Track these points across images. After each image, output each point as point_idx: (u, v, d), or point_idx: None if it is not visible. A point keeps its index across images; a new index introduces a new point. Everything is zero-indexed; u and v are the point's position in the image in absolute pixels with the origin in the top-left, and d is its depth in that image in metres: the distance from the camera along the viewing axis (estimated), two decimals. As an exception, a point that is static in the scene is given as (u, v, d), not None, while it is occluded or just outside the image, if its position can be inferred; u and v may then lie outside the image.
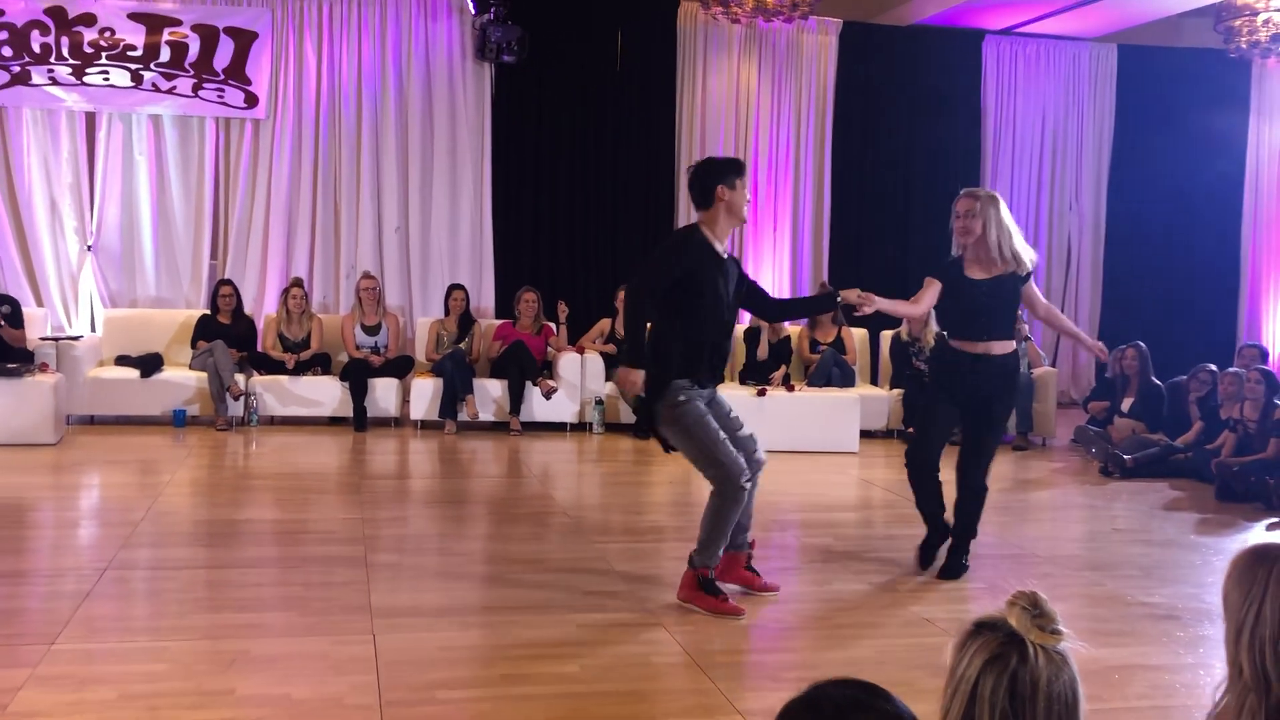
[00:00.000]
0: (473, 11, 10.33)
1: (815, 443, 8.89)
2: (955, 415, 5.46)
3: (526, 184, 10.79)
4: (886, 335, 10.31)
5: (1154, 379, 9.15)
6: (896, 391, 9.82)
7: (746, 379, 9.58)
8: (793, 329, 10.08)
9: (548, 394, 9.40)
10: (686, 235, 4.87)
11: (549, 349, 9.73)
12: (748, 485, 4.77)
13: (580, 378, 9.51)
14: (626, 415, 9.49)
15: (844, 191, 11.51)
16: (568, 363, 9.54)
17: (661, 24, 11.05)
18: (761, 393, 9.01)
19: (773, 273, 11.37)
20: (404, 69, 10.57)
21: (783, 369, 9.61)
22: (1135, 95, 12.02)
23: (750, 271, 11.29)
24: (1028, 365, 9.86)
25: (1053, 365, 10.86)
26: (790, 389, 9.22)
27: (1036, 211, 12.02)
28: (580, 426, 9.60)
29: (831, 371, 9.55)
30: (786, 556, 5.92)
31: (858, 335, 10.25)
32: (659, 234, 11.05)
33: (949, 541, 5.51)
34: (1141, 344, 9.32)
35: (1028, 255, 5.32)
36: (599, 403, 9.51)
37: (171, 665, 4.02)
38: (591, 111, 10.88)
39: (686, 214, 11.24)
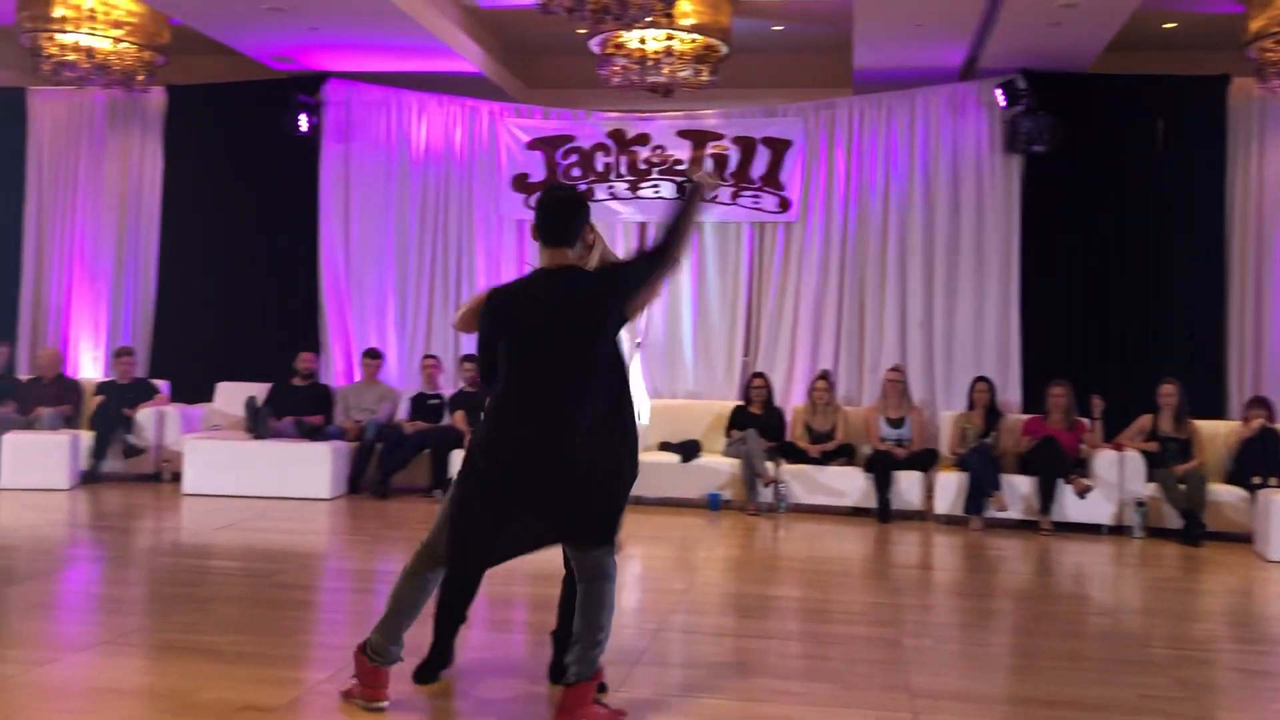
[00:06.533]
0: (1002, 105, 10.27)
1: None
2: None
3: (1057, 275, 10.40)
4: None
5: None
6: None
7: None
8: None
9: (1082, 493, 8.91)
10: None
11: (1082, 445, 9.24)
12: None
13: (1118, 477, 8.92)
14: (1172, 520, 8.76)
15: None
16: (1104, 460, 9.00)
17: (1210, 104, 10.33)
18: None
19: None
20: (931, 166, 10.69)
21: None
22: None
23: None
24: None
25: None
26: None
27: None
28: (1118, 529, 8.97)
29: None
30: None
31: None
32: (1204, 325, 10.23)
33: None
34: None
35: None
36: (1140, 505, 8.84)
37: (715, 722, 4.21)
38: (1127, 199, 10.34)
39: (1239, 302, 10.34)
